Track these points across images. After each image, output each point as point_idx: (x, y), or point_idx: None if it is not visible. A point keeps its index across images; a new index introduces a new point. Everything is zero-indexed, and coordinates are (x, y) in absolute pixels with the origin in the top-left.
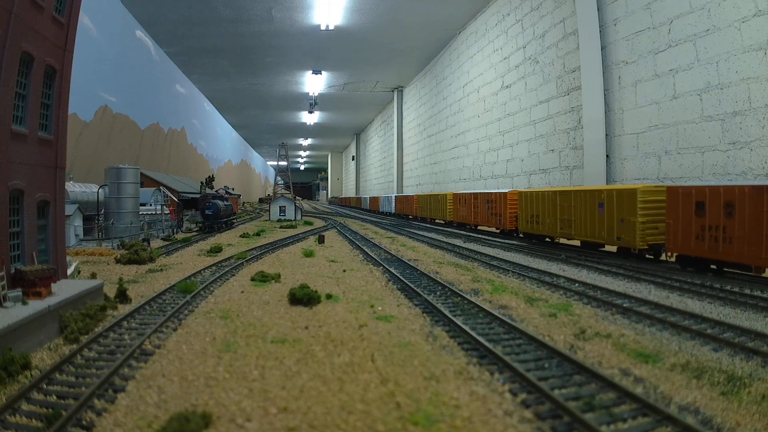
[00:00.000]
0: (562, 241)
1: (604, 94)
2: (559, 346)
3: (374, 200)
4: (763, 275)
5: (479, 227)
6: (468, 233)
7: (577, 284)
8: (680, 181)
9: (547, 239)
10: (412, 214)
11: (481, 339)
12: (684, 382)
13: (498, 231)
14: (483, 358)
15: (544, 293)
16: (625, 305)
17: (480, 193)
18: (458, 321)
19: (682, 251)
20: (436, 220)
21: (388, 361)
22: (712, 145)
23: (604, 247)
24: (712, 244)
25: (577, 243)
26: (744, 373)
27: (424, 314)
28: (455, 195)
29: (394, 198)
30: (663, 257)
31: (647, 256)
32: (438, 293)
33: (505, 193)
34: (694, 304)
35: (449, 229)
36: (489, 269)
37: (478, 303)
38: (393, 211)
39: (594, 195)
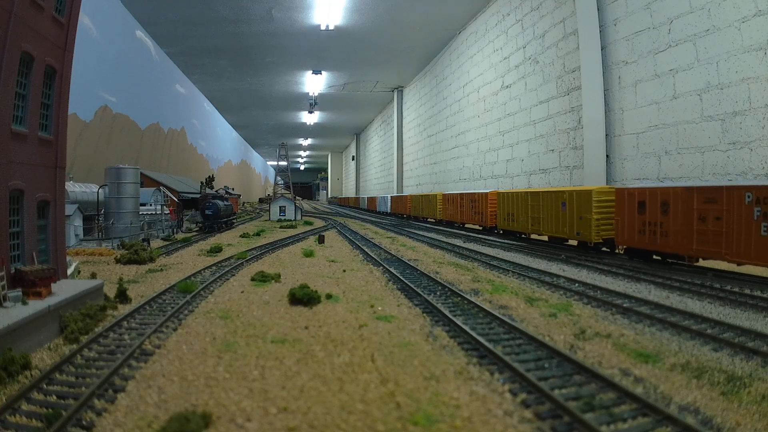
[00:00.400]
0: (534, 236)
1: (604, 94)
2: (559, 346)
3: (372, 200)
4: (696, 264)
5: (465, 225)
6: (468, 233)
7: (577, 284)
8: (681, 181)
9: (522, 235)
10: (406, 213)
11: (481, 339)
12: (684, 382)
13: (480, 228)
14: (483, 358)
15: (544, 293)
16: (625, 305)
17: (465, 193)
18: (458, 321)
19: (629, 244)
20: (428, 219)
21: (388, 361)
22: (712, 145)
23: (567, 241)
24: (652, 237)
25: (545, 238)
26: (744, 373)
27: (424, 314)
28: (444, 195)
29: (389, 198)
30: (616, 250)
31: (603, 249)
32: (438, 293)
33: (486, 194)
34: (694, 304)
35: (449, 230)
36: (489, 269)
37: (478, 303)
38: (389, 210)
39: (558, 195)
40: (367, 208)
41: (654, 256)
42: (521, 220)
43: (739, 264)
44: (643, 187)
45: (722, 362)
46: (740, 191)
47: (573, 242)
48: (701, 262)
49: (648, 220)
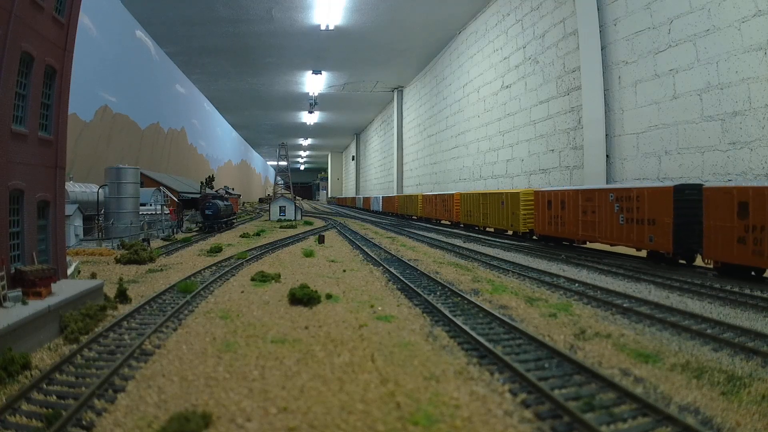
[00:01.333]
0: (488, 229)
1: (604, 94)
2: (559, 346)
3: (366, 200)
4: (589, 246)
5: (440, 221)
6: (467, 233)
7: (577, 284)
8: (680, 181)
9: (477, 227)
10: (394, 212)
11: (481, 339)
12: (684, 382)
13: (449, 223)
14: (483, 358)
15: (544, 293)
16: (625, 305)
17: (438, 195)
18: (458, 321)
19: (542, 233)
20: (412, 216)
21: (388, 361)
22: (712, 145)
23: (506, 232)
24: (556, 227)
25: (492, 230)
26: (744, 373)
27: (424, 314)
28: (423, 196)
29: (381, 198)
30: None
31: (533, 237)
32: (438, 293)
33: (452, 194)
34: (694, 304)
35: (448, 230)
36: (489, 269)
37: (478, 303)
38: (381, 209)
39: (499, 196)
40: (363, 207)
41: (563, 242)
42: (476, 215)
43: (612, 245)
44: (549, 190)
45: (722, 362)
46: (606, 192)
47: (510, 232)
48: (588, 244)
49: (553, 214)
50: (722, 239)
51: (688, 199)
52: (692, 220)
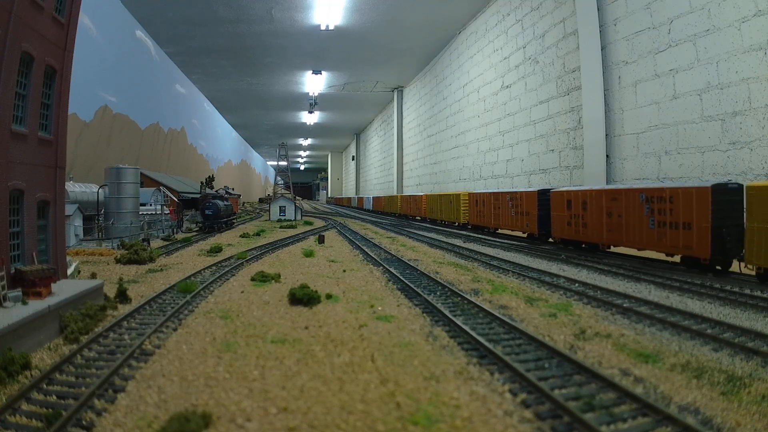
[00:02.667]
0: (443, 221)
1: (604, 94)
2: (559, 346)
3: (360, 200)
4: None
5: (415, 217)
6: (467, 233)
7: (577, 284)
8: (680, 181)
9: (436, 221)
10: (381, 210)
11: (481, 339)
12: (684, 382)
13: (419, 218)
14: (483, 358)
15: (544, 293)
16: (625, 305)
17: (412, 195)
18: (458, 321)
19: (472, 222)
20: (395, 213)
21: (388, 361)
22: (712, 145)
23: (456, 224)
24: (480, 218)
25: (445, 221)
26: (744, 373)
27: (424, 314)
28: (401, 196)
29: (372, 198)
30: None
31: (468, 226)
32: (438, 293)
33: (422, 195)
34: (694, 304)
35: (448, 230)
36: (489, 269)
37: (478, 303)
38: (371, 208)
39: (449, 197)
40: (357, 206)
41: (484, 228)
42: (436, 211)
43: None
44: (478, 192)
45: (722, 362)
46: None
47: (456, 224)
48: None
49: (479, 210)
50: None
51: (727, 199)
52: (731, 222)
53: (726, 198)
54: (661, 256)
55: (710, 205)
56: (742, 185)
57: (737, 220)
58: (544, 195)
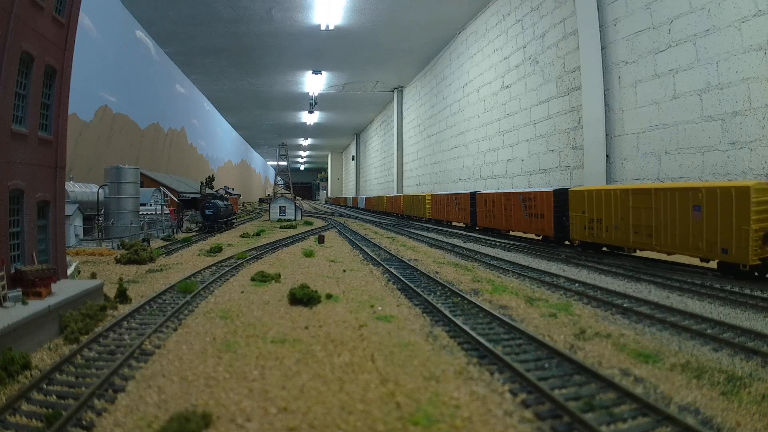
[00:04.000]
0: (414, 216)
1: (604, 94)
2: (559, 346)
3: (355, 199)
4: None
5: (395, 214)
6: (468, 233)
7: (577, 284)
8: (680, 181)
9: (412, 217)
10: (371, 209)
11: (481, 339)
12: (684, 382)
13: (397, 215)
14: (483, 358)
15: (544, 293)
16: (625, 305)
17: (394, 195)
18: (458, 321)
19: (434, 217)
20: (383, 211)
21: (388, 361)
22: (712, 145)
23: (423, 219)
24: (443, 214)
25: (420, 217)
26: (744, 373)
27: (424, 314)
28: (387, 197)
29: (364, 198)
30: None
31: (433, 220)
32: (438, 293)
33: (401, 196)
34: (694, 304)
35: (448, 230)
36: (489, 269)
37: (478, 303)
38: (364, 207)
39: (417, 197)
40: (352, 206)
41: (443, 222)
42: (408, 208)
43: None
44: (442, 194)
45: (722, 362)
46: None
47: (421, 218)
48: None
49: (440, 207)
50: None
51: (562, 198)
52: (564, 214)
53: (561, 198)
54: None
55: (552, 202)
56: (568, 189)
57: (567, 212)
58: (562, 195)
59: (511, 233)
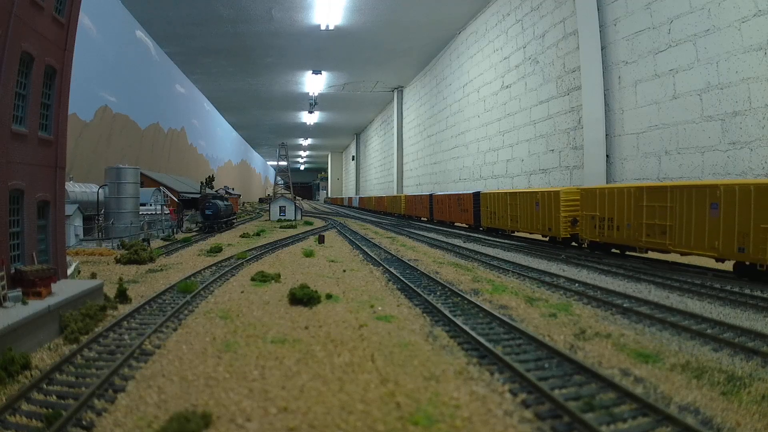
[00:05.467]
0: (388, 212)
1: (604, 94)
2: (559, 346)
3: (350, 199)
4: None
5: (378, 211)
6: (468, 233)
7: (577, 284)
8: (679, 180)
9: (388, 213)
10: (363, 207)
11: (481, 339)
12: (684, 382)
13: (380, 212)
14: (483, 358)
15: (544, 293)
16: (625, 305)
17: (379, 196)
18: (458, 321)
19: (406, 213)
20: (372, 209)
21: (388, 361)
22: (712, 145)
23: (394, 215)
24: (413, 211)
25: (391, 213)
26: (744, 373)
27: (424, 314)
28: (375, 198)
29: (358, 198)
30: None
31: (408, 216)
32: (438, 293)
33: (383, 197)
34: (694, 304)
35: (448, 230)
36: (489, 269)
37: (478, 303)
38: (358, 206)
39: (395, 197)
40: (347, 205)
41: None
42: (389, 206)
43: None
44: (414, 195)
45: (722, 362)
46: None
47: (394, 214)
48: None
49: (411, 206)
50: None
51: (478, 198)
52: (479, 208)
53: (478, 198)
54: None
55: (472, 201)
56: (480, 192)
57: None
58: (477, 196)
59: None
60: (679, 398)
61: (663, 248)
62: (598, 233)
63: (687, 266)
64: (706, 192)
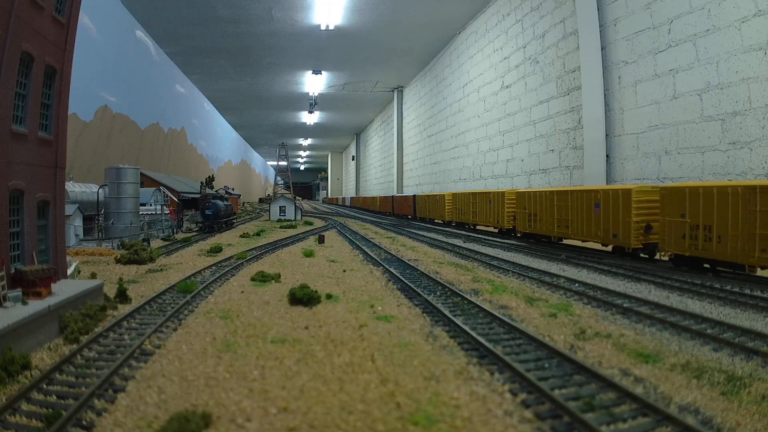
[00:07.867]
0: (371, 210)
1: (604, 94)
2: (559, 346)
3: (344, 199)
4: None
5: (368, 209)
6: (468, 233)
7: (577, 284)
8: (679, 181)
9: (381, 212)
10: (357, 206)
11: (481, 339)
12: (684, 382)
13: (373, 211)
14: (483, 358)
15: (544, 293)
16: (625, 305)
17: (372, 196)
18: (458, 321)
19: (399, 213)
20: (365, 208)
21: (388, 361)
22: (712, 145)
23: (387, 214)
24: (391, 209)
25: (376, 210)
26: (744, 373)
27: (424, 314)
28: (368, 198)
29: (350, 198)
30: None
31: (408, 217)
32: (438, 293)
33: (377, 197)
34: (694, 304)
35: (449, 229)
36: (489, 269)
37: (478, 303)
38: (350, 205)
39: (385, 197)
40: (342, 204)
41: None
42: (382, 205)
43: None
44: (388, 196)
45: (722, 362)
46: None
47: (381, 211)
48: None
49: (392, 205)
50: None
51: (418, 199)
52: (422, 207)
53: (414, 199)
54: None
55: (412, 201)
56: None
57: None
58: (414, 197)
59: (369, 209)
60: (679, 398)
61: (384, 212)
62: (384, 209)
63: (397, 216)
64: (386, 197)
